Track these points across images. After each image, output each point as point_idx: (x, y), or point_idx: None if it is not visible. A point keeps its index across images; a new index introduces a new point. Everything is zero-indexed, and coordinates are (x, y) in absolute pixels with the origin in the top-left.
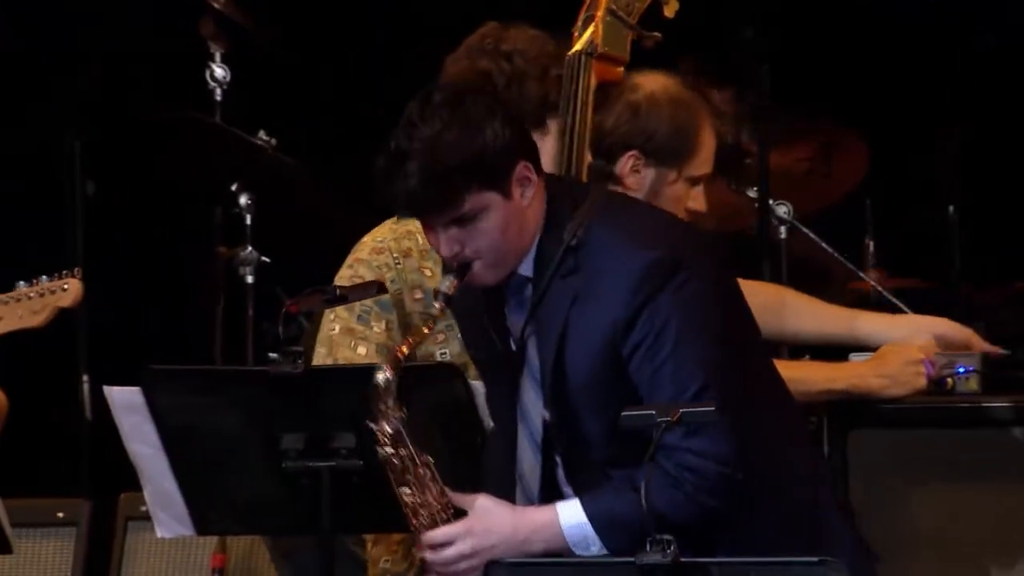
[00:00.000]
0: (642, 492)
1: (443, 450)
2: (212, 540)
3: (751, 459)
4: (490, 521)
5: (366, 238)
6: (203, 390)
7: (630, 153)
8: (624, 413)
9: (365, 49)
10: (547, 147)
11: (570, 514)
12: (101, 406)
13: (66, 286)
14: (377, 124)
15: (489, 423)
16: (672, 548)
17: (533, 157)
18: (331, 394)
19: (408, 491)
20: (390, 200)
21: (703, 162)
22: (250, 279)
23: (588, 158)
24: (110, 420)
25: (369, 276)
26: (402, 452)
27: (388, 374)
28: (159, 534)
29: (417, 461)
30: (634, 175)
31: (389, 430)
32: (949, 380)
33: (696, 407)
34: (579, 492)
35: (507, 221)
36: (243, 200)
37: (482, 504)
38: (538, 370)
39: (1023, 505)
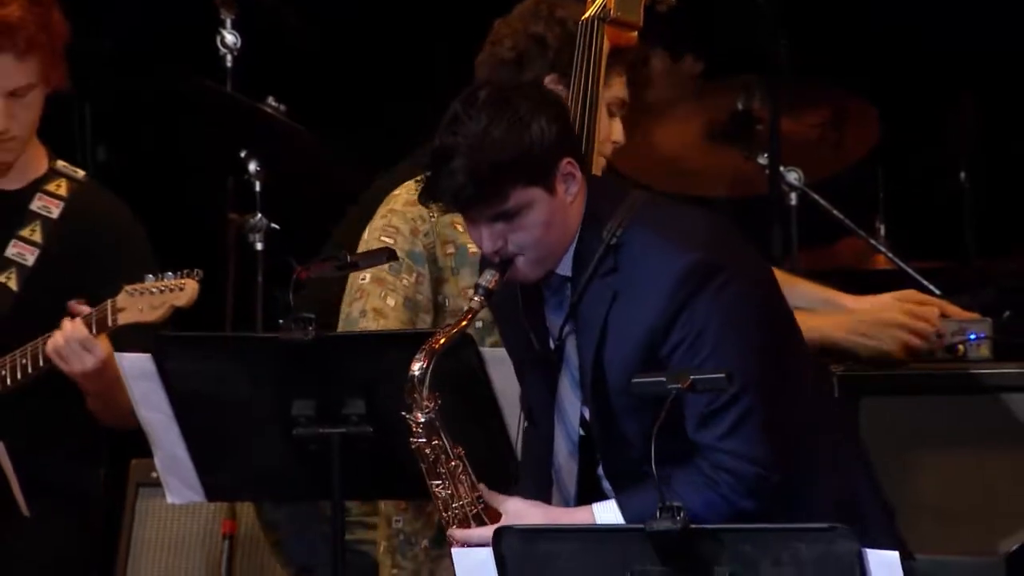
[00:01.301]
0: (676, 492)
1: (456, 419)
2: (223, 506)
3: (789, 461)
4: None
5: (399, 190)
6: (213, 357)
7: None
8: (635, 380)
9: (376, 14)
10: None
11: (607, 516)
12: None
13: (183, 286)
14: (388, 90)
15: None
16: (682, 515)
17: (577, 154)
18: (342, 360)
19: (439, 484)
20: (435, 195)
21: (614, 87)
22: (260, 246)
23: (602, 124)
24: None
25: (403, 227)
26: (435, 443)
27: (423, 365)
28: (170, 500)
29: (450, 453)
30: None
31: (422, 420)
32: (960, 346)
33: (707, 374)
34: (617, 490)
35: (550, 217)
36: (252, 167)
37: (516, 507)
38: (577, 368)
39: None
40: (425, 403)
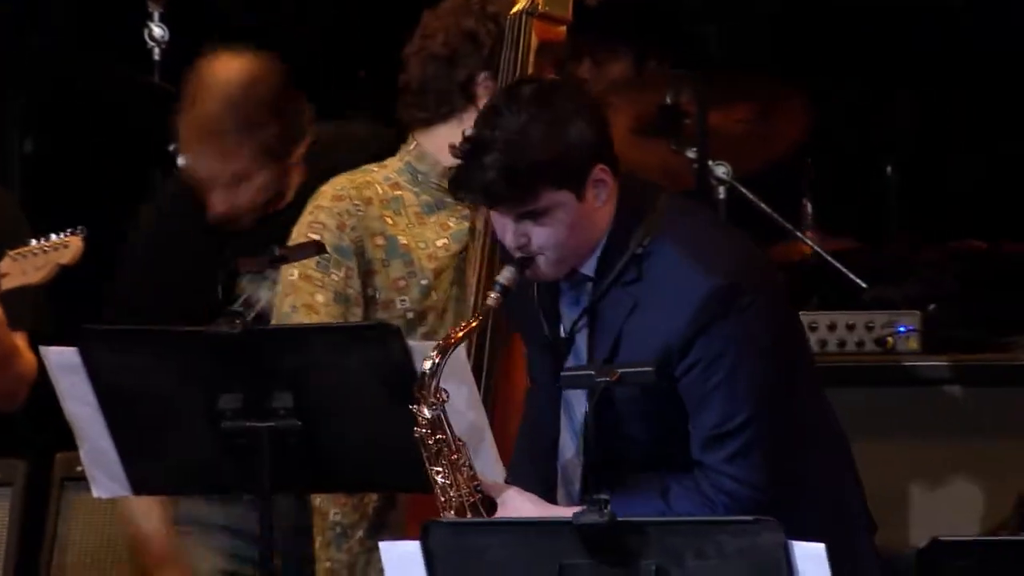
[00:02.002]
0: (670, 504)
1: (378, 412)
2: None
3: (793, 492)
4: (519, 516)
5: (325, 187)
6: (140, 350)
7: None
8: (563, 373)
9: (307, 4)
10: None
11: None
12: (38, 366)
13: (67, 243)
14: (315, 80)
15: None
16: (608, 508)
17: (611, 159)
18: (270, 354)
19: (440, 471)
20: (465, 186)
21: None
22: None
23: None
24: (47, 380)
25: (330, 223)
26: (439, 436)
27: (436, 361)
28: (95, 494)
29: (453, 446)
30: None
31: (428, 416)
32: (889, 339)
33: (635, 368)
34: (612, 490)
35: (577, 221)
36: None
37: (512, 497)
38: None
39: (962, 461)
40: (432, 399)
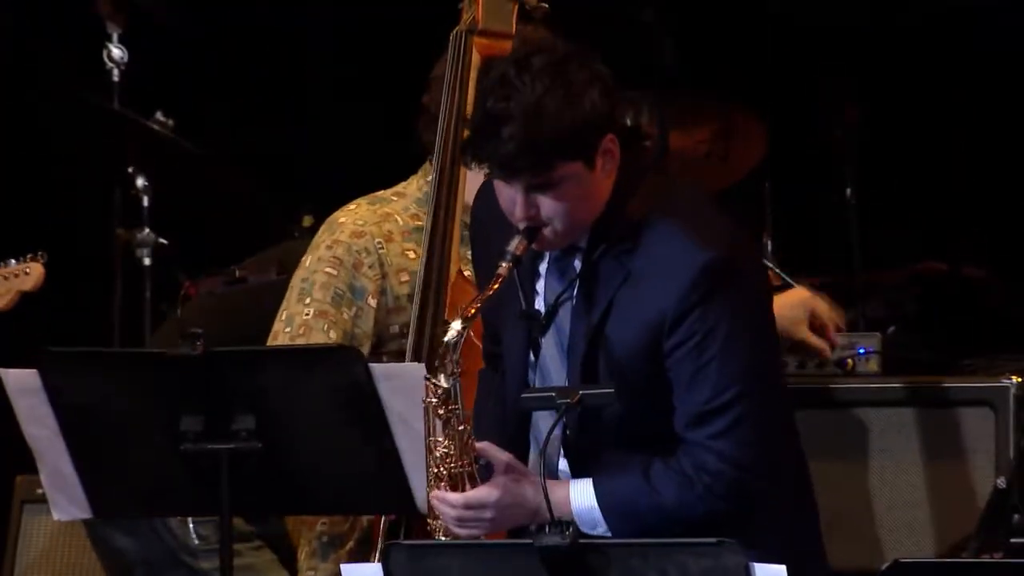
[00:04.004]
0: (652, 484)
1: (341, 435)
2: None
3: (774, 470)
4: (512, 499)
5: (344, 219)
6: (101, 372)
7: None
8: (523, 395)
9: (266, 28)
10: None
11: (582, 496)
12: None
13: (28, 270)
14: (276, 104)
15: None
16: (571, 530)
17: (620, 130)
18: (231, 376)
19: (442, 441)
20: (481, 158)
21: None
22: (147, 261)
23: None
24: (6, 402)
25: (348, 260)
26: (451, 407)
27: (459, 330)
28: (56, 517)
29: (460, 419)
30: None
31: (444, 385)
32: (850, 361)
33: (596, 389)
34: (590, 464)
35: (586, 190)
36: (140, 182)
37: (505, 479)
38: (567, 337)
39: (923, 482)
40: (452, 369)
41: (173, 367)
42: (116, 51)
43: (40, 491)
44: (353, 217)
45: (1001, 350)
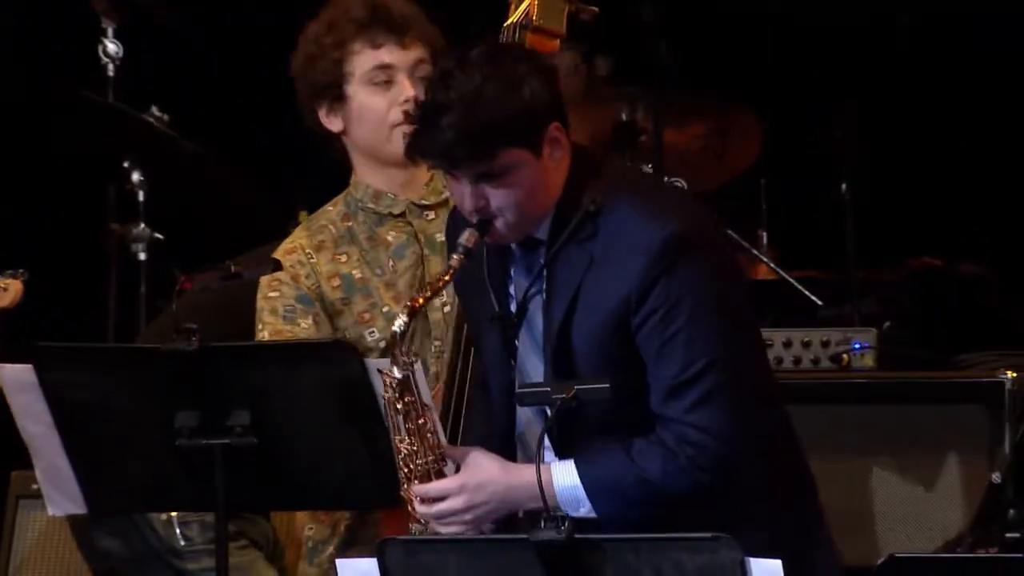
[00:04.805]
0: (635, 460)
1: (336, 429)
2: None
3: (754, 442)
4: (484, 476)
5: (285, 241)
6: (96, 368)
7: None
8: (519, 390)
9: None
10: None
11: (563, 475)
12: None
13: (7, 286)
14: (271, 100)
15: (428, 400)
16: (567, 525)
17: (564, 118)
18: (226, 371)
19: (406, 441)
20: (422, 151)
21: None
22: (143, 256)
23: None
24: (0, 397)
25: (284, 277)
26: (408, 399)
27: (405, 321)
28: (51, 512)
29: (420, 411)
30: None
31: (398, 376)
32: (845, 356)
33: (591, 384)
34: (576, 453)
35: (534, 180)
36: (135, 177)
37: (476, 459)
38: (540, 332)
39: (917, 478)
40: (404, 359)
41: (168, 362)
42: (111, 46)
43: (35, 486)
44: (290, 238)
45: (996, 346)
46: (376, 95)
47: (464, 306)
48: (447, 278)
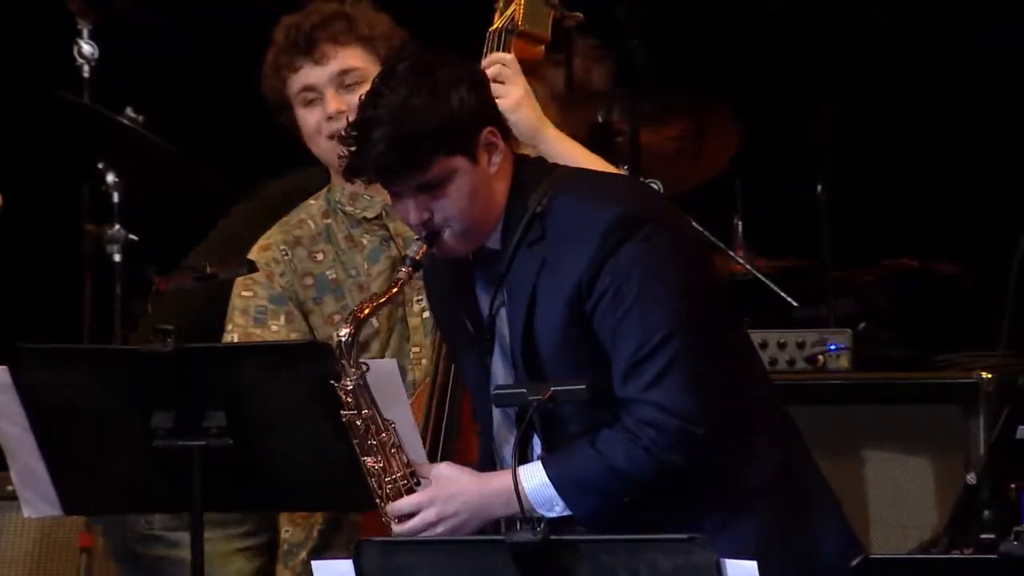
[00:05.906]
0: (600, 450)
1: (313, 430)
2: (80, 520)
3: (719, 419)
4: (453, 488)
5: (261, 238)
6: (71, 369)
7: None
8: (495, 391)
9: (238, 23)
10: None
11: (532, 476)
12: None
13: None
14: (248, 100)
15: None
16: (543, 526)
17: (499, 123)
18: (202, 372)
19: (371, 459)
20: (357, 169)
21: None
22: (118, 257)
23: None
24: None
25: (259, 276)
26: (365, 413)
27: (349, 331)
28: (26, 514)
29: (380, 425)
30: None
31: (351, 386)
32: (820, 357)
33: (567, 386)
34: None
35: (475, 187)
36: (110, 178)
37: (444, 472)
38: (508, 343)
39: (893, 479)
40: (352, 369)
41: (144, 363)
42: (87, 47)
43: (11, 488)
44: (266, 235)
45: (971, 346)
46: (308, 112)
47: (440, 328)
48: (394, 290)
